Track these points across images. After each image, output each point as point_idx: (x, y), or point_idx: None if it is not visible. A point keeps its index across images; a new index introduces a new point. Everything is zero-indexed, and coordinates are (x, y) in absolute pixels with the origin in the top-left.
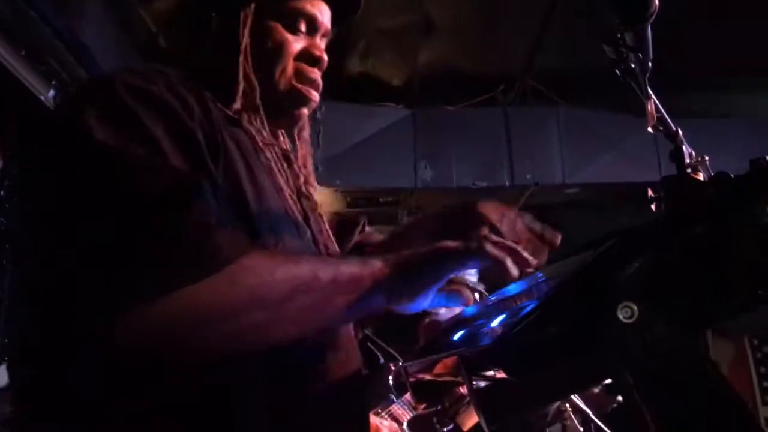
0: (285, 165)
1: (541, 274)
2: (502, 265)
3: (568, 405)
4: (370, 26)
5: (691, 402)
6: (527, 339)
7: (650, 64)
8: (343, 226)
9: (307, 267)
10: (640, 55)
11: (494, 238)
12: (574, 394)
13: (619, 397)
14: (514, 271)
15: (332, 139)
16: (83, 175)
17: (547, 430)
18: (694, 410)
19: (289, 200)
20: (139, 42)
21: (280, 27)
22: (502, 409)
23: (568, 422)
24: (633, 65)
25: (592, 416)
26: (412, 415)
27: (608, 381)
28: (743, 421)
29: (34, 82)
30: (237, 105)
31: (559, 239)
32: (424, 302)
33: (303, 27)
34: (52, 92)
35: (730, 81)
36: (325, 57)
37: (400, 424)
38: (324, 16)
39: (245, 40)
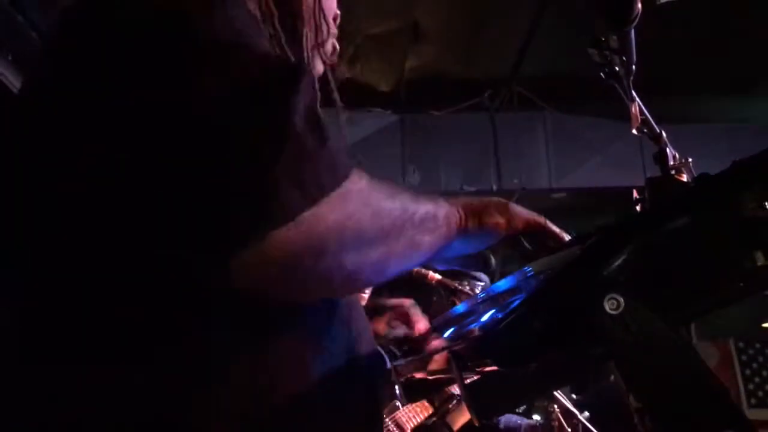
0: None
1: (529, 269)
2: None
3: (556, 406)
4: (358, 32)
5: (675, 390)
6: (516, 330)
7: (634, 67)
8: None
9: (400, 203)
10: (624, 57)
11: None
12: (561, 387)
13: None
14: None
15: None
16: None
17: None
18: (679, 398)
19: None
20: None
21: None
22: (492, 403)
23: (556, 423)
24: (617, 68)
25: (579, 417)
26: (416, 421)
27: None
28: (727, 408)
29: None
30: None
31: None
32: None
33: None
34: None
35: (708, 87)
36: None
37: (403, 431)
38: None
39: None
